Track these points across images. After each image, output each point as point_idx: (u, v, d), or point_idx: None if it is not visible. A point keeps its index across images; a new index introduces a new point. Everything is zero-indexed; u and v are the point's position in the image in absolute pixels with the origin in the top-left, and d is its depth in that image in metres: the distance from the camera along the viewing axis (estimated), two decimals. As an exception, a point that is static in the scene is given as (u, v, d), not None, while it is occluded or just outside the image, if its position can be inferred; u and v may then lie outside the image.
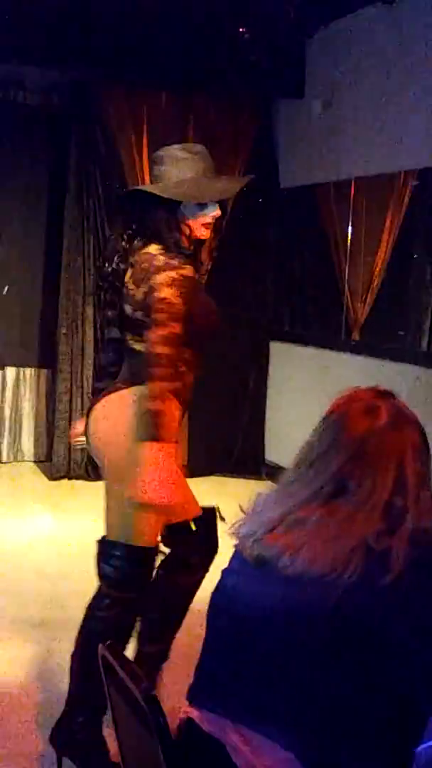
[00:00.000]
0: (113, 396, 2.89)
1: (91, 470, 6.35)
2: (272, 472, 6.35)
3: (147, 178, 6.35)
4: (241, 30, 5.61)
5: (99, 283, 3.12)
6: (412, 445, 1.75)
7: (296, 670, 1.66)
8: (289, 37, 6.10)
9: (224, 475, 6.61)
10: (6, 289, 6.77)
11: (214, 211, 2.91)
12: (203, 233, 2.94)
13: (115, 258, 2.90)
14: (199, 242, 3.00)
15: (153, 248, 2.84)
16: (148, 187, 3.01)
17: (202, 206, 2.89)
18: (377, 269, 6.07)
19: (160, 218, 2.86)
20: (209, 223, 2.93)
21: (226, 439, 6.77)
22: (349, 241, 6.19)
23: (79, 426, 3.17)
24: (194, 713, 1.76)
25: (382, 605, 1.61)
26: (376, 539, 1.65)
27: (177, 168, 2.88)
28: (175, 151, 2.92)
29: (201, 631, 1.87)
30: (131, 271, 2.86)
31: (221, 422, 6.71)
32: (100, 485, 3.03)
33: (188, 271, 2.80)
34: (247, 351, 6.84)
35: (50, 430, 6.79)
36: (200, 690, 1.79)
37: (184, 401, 2.91)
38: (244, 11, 5.60)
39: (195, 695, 1.79)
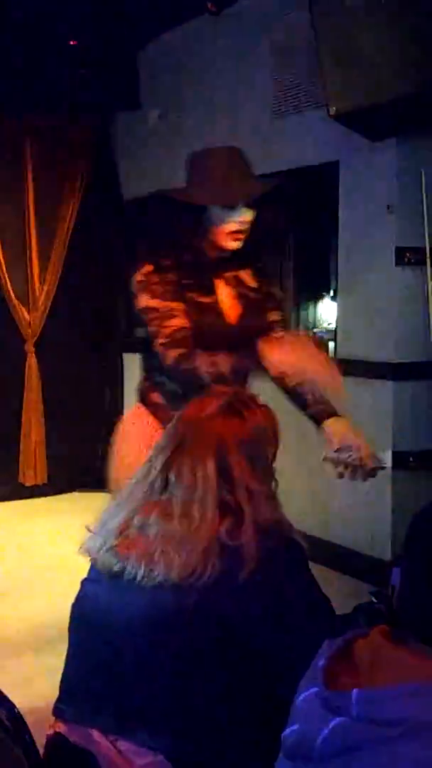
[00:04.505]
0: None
1: None
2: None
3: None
4: (71, 43, 5.58)
5: None
6: (235, 434, 1.73)
7: (162, 674, 1.66)
8: (121, 49, 6.12)
9: (86, 491, 6.54)
10: None
11: (242, 216, 2.61)
12: (230, 244, 2.64)
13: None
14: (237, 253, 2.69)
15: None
16: (171, 191, 2.78)
17: (229, 210, 2.60)
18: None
19: (184, 227, 2.64)
20: (237, 231, 2.62)
21: (86, 455, 6.71)
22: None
23: None
24: (61, 727, 1.73)
25: (240, 600, 1.62)
26: (229, 535, 1.66)
27: (207, 169, 2.65)
28: (207, 151, 2.72)
29: (65, 645, 1.85)
30: None
31: (79, 437, 6.65)
32: None
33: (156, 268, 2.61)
34: (101, 365, 6.81)
35: None
36: (66, 703, 1.76)
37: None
38: (73, 25, 5.57)
39: (61, 709, 1.76)
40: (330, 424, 2.58)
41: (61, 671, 1.83)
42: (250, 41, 5.37)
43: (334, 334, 5.28)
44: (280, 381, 2.61)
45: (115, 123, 6.75)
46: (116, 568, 1.71)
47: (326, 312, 6.62)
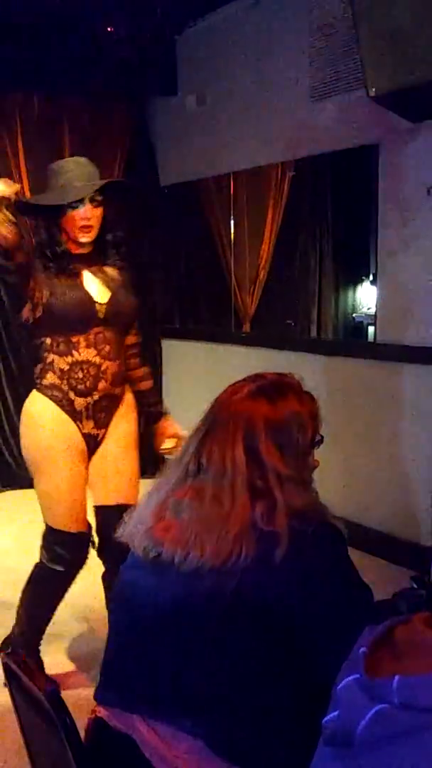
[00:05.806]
0: None
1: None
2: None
3: (26, 184, 6.29)
4: (108, 29, 5.58)
5: None
6: (263, 418, 1.71)
7: (201, 659, 1.66)
8: (158, 35, 6.10)
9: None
10: None
11: (83, 211, 3.07)
12: (80, 236, 3.12)
13: None
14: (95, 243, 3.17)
15: None
16: (30, 198, 3.43)
17: (73, 207, 3.08)
18: (262, 261, 6.14)
19: (41, 225, 3.17)
20: (84, 226, 3.10)
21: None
22: (232, 235, 6.24)
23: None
24: (102, 712, 1.74)
25: (277, 586, 1.62)
26: (264, 520, 1.65)
27: (56, 178, 3.16)
28: (56, 164, 3.25)
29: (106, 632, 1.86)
30: None
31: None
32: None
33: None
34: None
35: None
36: (107, 688, 1.77)
37: (81, 388, 3.12)
38: (111, 10, 5.57)
39: (102, 694, 1.77)
40: (162, 422, 3.62)
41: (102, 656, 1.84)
42: (287, 24, 5.32)
43: (373, 319, 5.24)
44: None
45: (153, 108, 6.74)
46: (153, 553, 1.71)
47: (366, 296, 6.59)
